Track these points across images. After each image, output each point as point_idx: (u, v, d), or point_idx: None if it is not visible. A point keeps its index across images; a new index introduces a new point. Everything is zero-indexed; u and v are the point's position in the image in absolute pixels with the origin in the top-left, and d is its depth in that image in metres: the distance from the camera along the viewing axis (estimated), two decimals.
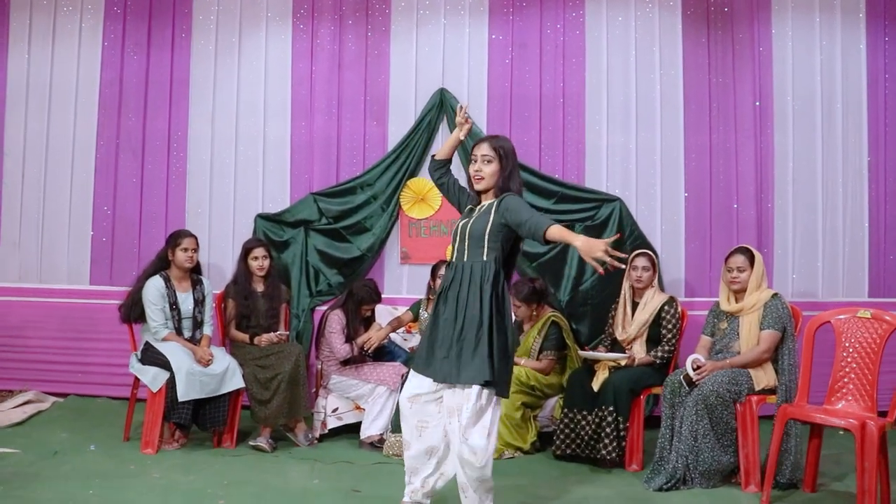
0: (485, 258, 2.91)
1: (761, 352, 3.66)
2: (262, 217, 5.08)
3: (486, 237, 2.91)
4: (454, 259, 3.02)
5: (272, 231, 5.06)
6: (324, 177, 5.12)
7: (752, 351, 3.68)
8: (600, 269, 2.60)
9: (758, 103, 5.05)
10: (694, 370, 3.65)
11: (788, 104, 5.07)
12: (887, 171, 5.12)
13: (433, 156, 3.29)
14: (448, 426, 2.88)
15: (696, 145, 5.07)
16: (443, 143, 4.83)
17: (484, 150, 2.98)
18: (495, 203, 2.95)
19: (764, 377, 3.64)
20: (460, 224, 3.04)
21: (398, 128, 5.10)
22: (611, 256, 2.53)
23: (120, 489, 3.38)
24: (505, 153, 2.98)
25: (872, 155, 5.12)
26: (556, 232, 2.70)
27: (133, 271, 4.96)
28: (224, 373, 4.05)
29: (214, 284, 4.70)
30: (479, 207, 3.03)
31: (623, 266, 2.72)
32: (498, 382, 2.83)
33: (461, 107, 3.22)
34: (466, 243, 2.97)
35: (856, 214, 5.11)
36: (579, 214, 4.96)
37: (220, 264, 5.11)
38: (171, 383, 3.94)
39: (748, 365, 3.66)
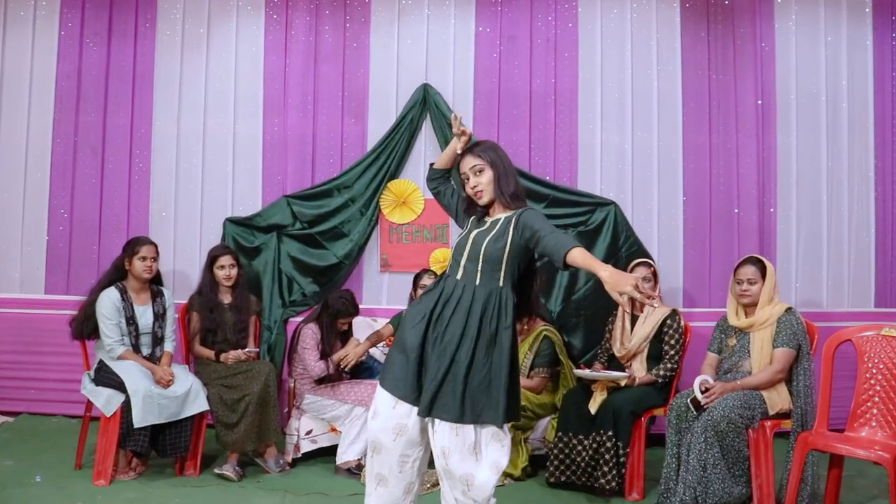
0: (501, 284, 2.54)
1: (775, 372, 3.37)
2: (232, 221, 4.76)
3: (505, 261, 2.53)
4: (459, 276, 2.59)
5: (242, 236, 4.75)
6: (298, 178, 4.82)
7: (765, 371, 3.38)
8: (626, 307, 2.27)
9: (760, 102, 4.85)
10: (702, 392, 3.34)
11: (792, 103, 4.87)
12: (895, 173, 4.93)
13: (431, 164, 2.94)
14: (439, 463, 2.52)
15: (695, 146, 4.84)
16: (426, 143, 4.75)
17: (471, 161, 2.64)
18: (513, 218, 2.55)
19: (778, 400, 3.35)
20: (472, 237, 2.62)
21: (378, 126, 4.81)
22: (641, 292, 2.17)
23: None
24: (492, 157, 2.64)
25: (879, 156, 4.92)
26: (580, 257, 2.32)
27: (92, 280, 4.51)
28: (186, 394, 3.69)
29: (180, 294, 4.40)
30: (493, 221, 2.62)
31: (655, 305, 2.38)
32: (513, 414, 2.54)
33: (455, 117, 2.82)
34: (480, 264, 2.55)
35: (862, 219, 4.91)
36: (572, 219, 4.70)
37: (186, 272, 4.76)
38: (126, 407, 3.57)
39: (760, 386, 3.36)
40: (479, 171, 2.62)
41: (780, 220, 4.85)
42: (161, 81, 4.90)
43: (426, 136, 4.78)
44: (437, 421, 2.48)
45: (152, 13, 4.90)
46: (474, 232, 2.62)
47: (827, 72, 4.88)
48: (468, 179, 2.65)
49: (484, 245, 2.54)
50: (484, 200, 2.63)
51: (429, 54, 4.82)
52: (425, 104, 4.75)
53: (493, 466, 2.46)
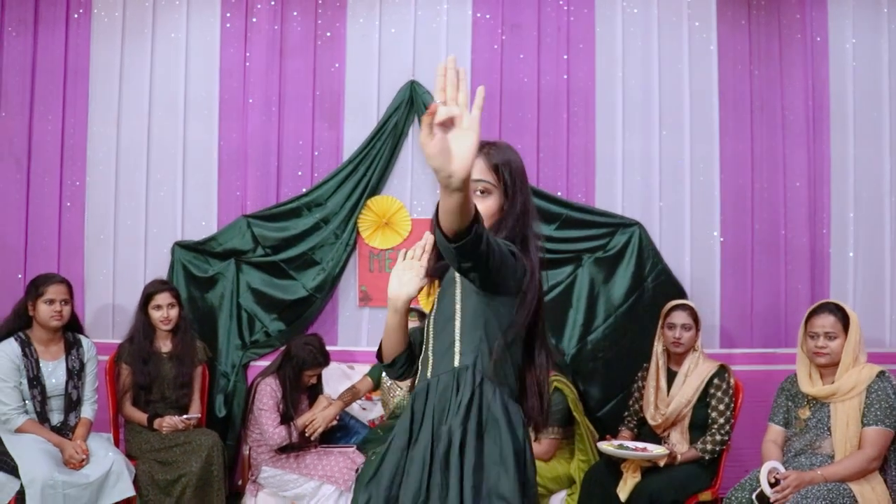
0: (456, 364, 1.78)
1: (868, 459, 2.65)
2: (182, 246, 4.23)
3: (458, 330, 1.80)
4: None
5: (194, 264, 4.20)
6: (260, 195, 4.32)
7: (854, 457, 2.66)
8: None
9: (811, 102, 4.39)
10: (771, 485, 2.59)
11: (849, 103, 4.40)
12: None
13: (378, 354, 2.06)
14: None
15: (735, 155, 4.38)
16: (413, 152, 4.22)
17: (476, 170, 1.78)
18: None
19: (873, 496, 2.62)
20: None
21: (356, 131, 4.33)
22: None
23: None
24: (516, 178, 1.83)
25: None
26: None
27: None
28: (104, 478, 2.98)
29: (121, 335, 3.83)
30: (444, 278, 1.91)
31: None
32: None
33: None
34: (431, 345, 1.85)
35: None
36: (587, 243, 4.20)
37: (127, 307, 4.12)
38: (21, 497, 2.81)
39: (849, 477, 2.64)
40: (483, 192, 1.81)
41: (834, 242, 4.39)
42: (97, 78, 4.40)
43: (413, 143, 4.31)
44: None
45: None
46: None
47: (890, 68, 4.41)
48: None
49: (432, 316, 1.90)
50: None
51: (416, 46, 4.38)
52: (412, 105, 4.27)
53: None
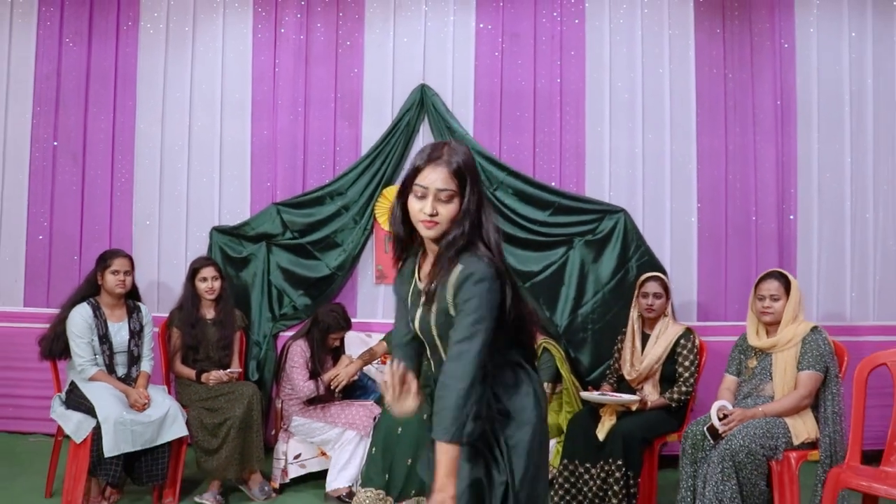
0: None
1: (800, 397, 3.09)
2: (219, 230, 4.58)
3: (437, 338, 1.94)
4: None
5: (230, 246, 4.55)
6: (288, 185, 4.63)
7: (790, 396, 3.11)
8: None
9: (779, 102, 4.62)
10: (720, 419, 3.07)
11: (813, 103, 4.64)
12: None
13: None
14: None
15: (710, 149, 4.62)
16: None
17: (442, 179, 1.84)
18: (452, 281, 1.84)
19: (803, 428, 3.07)
20: (417, 321, 1.98)
21: (373, 129, 4.61)
22: None
23: None
24: (470, 177, 1.87)
25: None
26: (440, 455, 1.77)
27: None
28: (163, 419, 3.44)
29: (165, 306, 4.20)
30: (427, 286, 1.91)
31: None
32: None
33: None
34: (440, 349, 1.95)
35: (889, 227, 4.65)
36: (578, 228, 4.49)
37: (170, 284, 4.55)
38: (98, 433, 3.32)
39: (784, 413, 3.09)
40: (446, 200, 1.85)
41: (800, 228, 4.62)
42: (144, 82, 4.75)
43: (424, 139, 4.57)
44: None
45: (135, 10, 4.74)
46: (411, 305, 1.99)
47: (851, 70, 4.64)
48: (424, 198, 1.85)
49: (417, 322, 1.97)
50: (430, 234, 1.87)
51: (426, 53, 4.63)
52: (423, 106, 4.55)
53: None
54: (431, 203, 1.84)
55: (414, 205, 1.87)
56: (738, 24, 4.63)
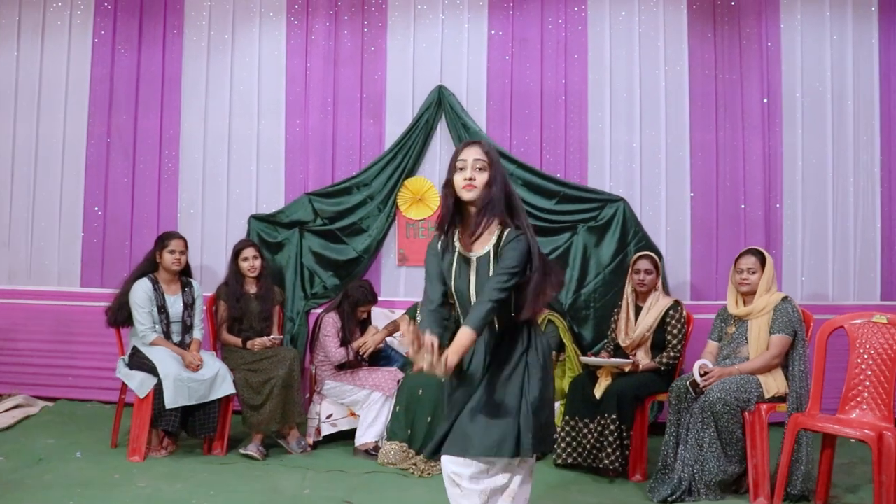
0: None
1: (771, 357, 3.52)
2: (256, 218, 4.98)
3: (472, 295, 2.42)
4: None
5: (266, 232, 4.96)
6: (319, 176, 5.02)
7: (762, 356, 3.54)
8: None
9: (766, 100, 4.94)
10: (701, 376, 3.51)
11: (798, 101, 4.96)
12: None
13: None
14: None
15: (703, 143, 4.95)
16: (441, 142, 4.89)
17: (476, 152, 2.41)
18: (493, 245, 2.39)
19: (774, 384, 3.50)
20: (456, 282, 2.45)
21: (395, 126, 4.99)
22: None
23: (102, 499, 3.26)
24: (494, 159, 2.44)
25: (885, 153, 5.00)
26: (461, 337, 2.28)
27: (124, 273, 4.79)
28: (214, 378, 3.93)
29: (207, 287, 4.62)
30: (472, 256, 2.41)
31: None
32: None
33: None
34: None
35: (867, 214, 4.99)
36: (581, 215, 4.86)
37: (212, 266, 5.00)
38: (158, 389, 3.82)
39: (757, 371, 3.52)
40: (480, 169, 2.39)
41: (786, 215, 4.95)
42: (188, 85, 5.14)
43: (441, 135, 4.96)
44: None
45: (180, 20, 5.16)
46: (457, 271, 2.45)
47: (832, 70, 4.96)
48: (464, 170, 2.39)
49: (471, 287, 2.44)
50: (469, 196, 2.37)
51: (443, 57, 4.99)
52: (440, 105, 4.92)
53: None
54: (469, 171, 2.38)
55: (457, 177, 2.40)
56: (728, 29, 4.97)
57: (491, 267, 2.37)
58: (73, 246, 5.18)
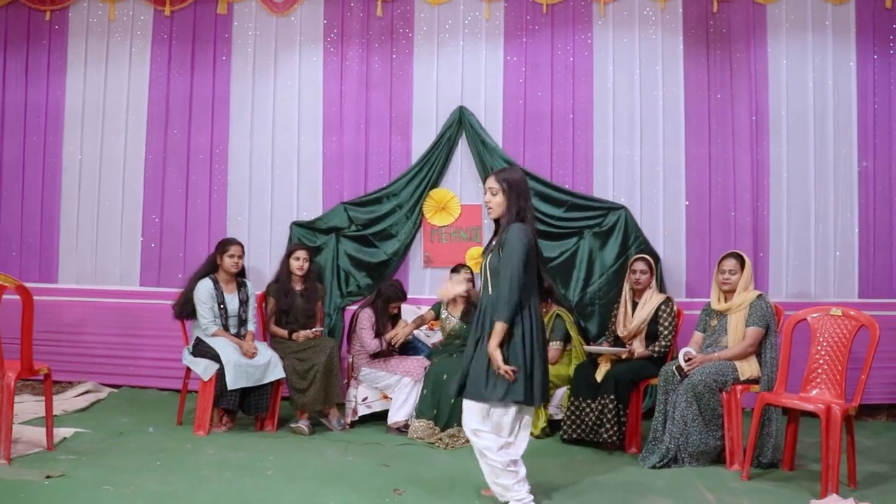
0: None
1: (746, 346, 4.07)
2: (297, 224, 5.50)
3: (490, 273, 3.26)
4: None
5: (306, 237, 5.46)
6: (353, 187, 5.52)
7: (739, 345, 4.09)
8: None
9: (754, 118, 5.35)
10: (685, 362, 4.06)
11: (783, 118, 5.36)
12: (876, 182, 5.38)
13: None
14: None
15: (696, 157, 5.39)
16: (462, 157, 5.39)
17: (490, 182, 3.28)
18: (503, 236, 3.22)
19: (748, 369, 4.05)
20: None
21: (421, 142, 5.46)
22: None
23: (182, 461, 3.87)
24: (509, 184, 3.22)
25: (862, 166, 5.40)
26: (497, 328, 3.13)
27: (179, 274, 5.49)
28: (267, 364, 4.52)
29: (255, 287, 5.06)
30: (495, 240, 3.33)
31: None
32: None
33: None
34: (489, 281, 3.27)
35: (846, 221, 5.38)
36: (587, 221, 5.34)
37: (258, 268, 5.54)
38: (220, 373, 4.42)
39: (734, 357, 4.07)
40: (493, 194, 3.26)
41: (772, 222, 5.36)
42: (236, 105, 5.66)
43: (462, 151, 5.48)
44: None
45: (228, 48, 5.71)
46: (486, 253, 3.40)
47: (814, 91, 5.38)
48: (485, 194, 3.32)
49: (487, 262, 3.33)
50: (491, 217, 3.32)
51: (464, 80, 5.47)
52: (461, 124, 5.41)
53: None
54: (487, 196, 3.29)
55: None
56: (720, 54, 5.43)
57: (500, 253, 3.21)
58: (133, 250, 5.72)
